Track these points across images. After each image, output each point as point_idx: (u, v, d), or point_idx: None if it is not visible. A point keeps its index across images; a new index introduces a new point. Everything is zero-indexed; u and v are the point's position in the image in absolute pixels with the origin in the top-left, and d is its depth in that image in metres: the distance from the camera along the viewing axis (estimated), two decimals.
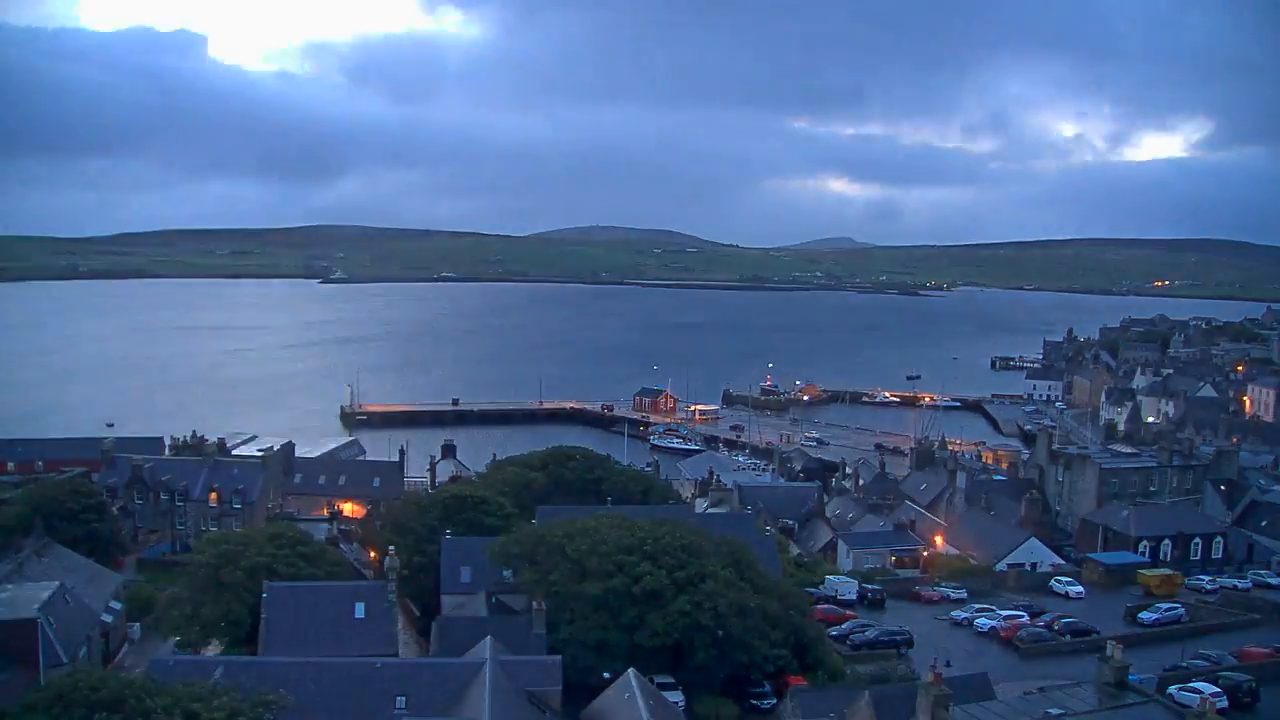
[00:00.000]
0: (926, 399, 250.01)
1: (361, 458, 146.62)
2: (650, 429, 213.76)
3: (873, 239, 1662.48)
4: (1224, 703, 53.28)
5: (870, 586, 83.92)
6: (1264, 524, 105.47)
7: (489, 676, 45.16)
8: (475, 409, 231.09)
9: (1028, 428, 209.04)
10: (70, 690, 37.03)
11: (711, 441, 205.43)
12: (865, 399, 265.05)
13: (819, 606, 75.32)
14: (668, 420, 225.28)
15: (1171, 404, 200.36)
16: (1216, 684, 55.99)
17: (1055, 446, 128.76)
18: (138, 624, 72.17)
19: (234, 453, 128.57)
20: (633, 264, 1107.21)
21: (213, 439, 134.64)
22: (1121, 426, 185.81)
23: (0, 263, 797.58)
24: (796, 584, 75.66)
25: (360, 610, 58.39)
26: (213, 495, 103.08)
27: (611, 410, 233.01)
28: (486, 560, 64.99)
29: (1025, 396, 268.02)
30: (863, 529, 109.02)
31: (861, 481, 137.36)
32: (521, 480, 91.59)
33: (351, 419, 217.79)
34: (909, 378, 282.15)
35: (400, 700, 45.67)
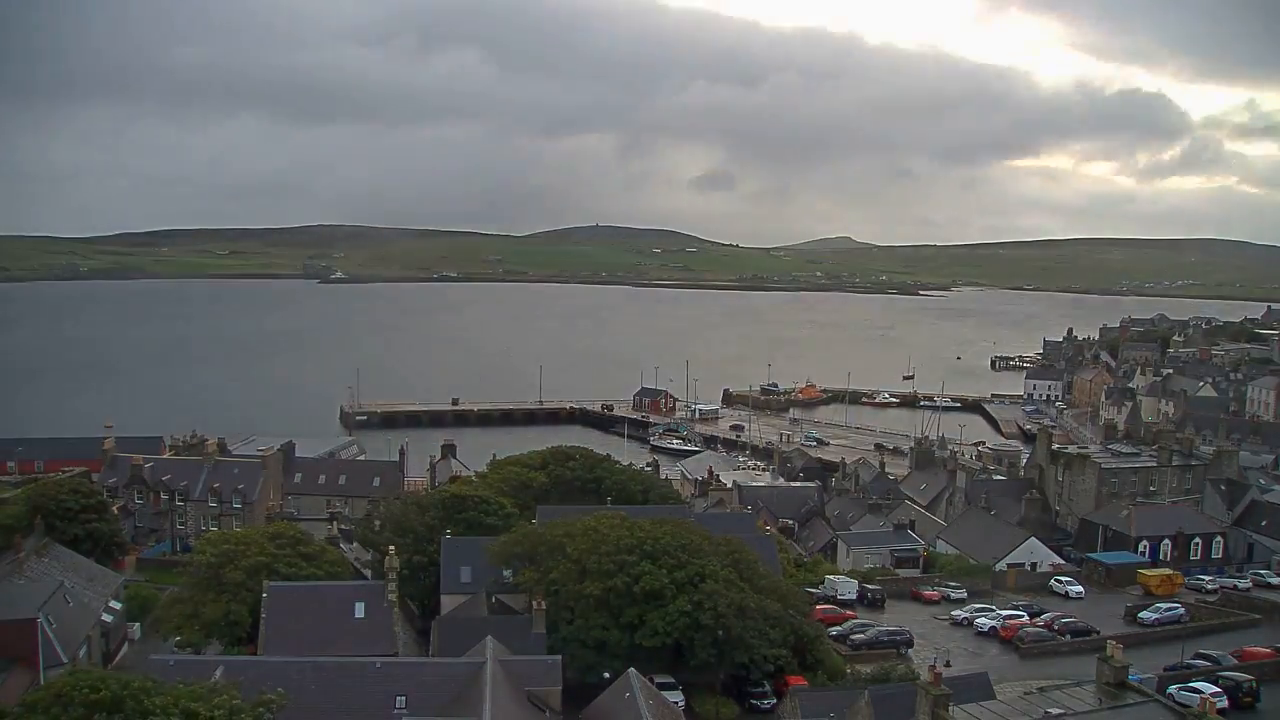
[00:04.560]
0: (935, 397, 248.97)
1: (361, 458, 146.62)
2: (650, 429, 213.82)
3: (873, 238, 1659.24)
4: (1224, 703, 53.28)
5: (870, 586, 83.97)
6: (1264, 524, 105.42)
7: (489, 676, 45.07)
8: (475, 409, 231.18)
9: (1028, 428, 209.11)
10: (70, 690, 36.85)
11: (711, 441, 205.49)
12: (865, 399, 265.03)
13: (819, 606, 75.35)
14: (667, 420, 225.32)
15: (1171, 404, 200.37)
16: (1216, 684, 55.98)
17: (1055, 446, 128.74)
18: (138, 624, 72.11)
19: (234, 453, 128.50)
20: (633, 264, 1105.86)
21: (213, 439, 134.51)
22: (1121, 426, 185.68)
23: (0, 262, 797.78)
24: (796, 584, 75.68)
25: (360, 610, 58.32)
26: (212, 495, 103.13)
27: (611, 410, 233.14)
28: (486, 560, 64.97)
29: (1025, 396, 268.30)
30: (863, 529, 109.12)
31: (861, 481, 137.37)
32: (521, 480, 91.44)
33: (351, 419, 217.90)
34: (905, 377, 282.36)
35: (400, 700, 45.56)
